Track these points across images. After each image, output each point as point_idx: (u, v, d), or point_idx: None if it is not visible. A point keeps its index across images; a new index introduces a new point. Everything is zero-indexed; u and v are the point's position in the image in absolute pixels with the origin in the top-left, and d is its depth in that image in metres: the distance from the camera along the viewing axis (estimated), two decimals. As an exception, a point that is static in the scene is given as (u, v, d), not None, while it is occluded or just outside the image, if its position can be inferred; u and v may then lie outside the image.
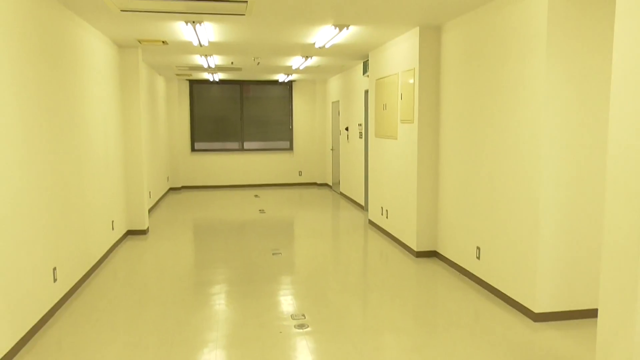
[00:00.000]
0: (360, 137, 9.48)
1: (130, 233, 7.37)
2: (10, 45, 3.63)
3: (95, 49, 5.87)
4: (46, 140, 4.26)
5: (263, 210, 9.68)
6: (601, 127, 4.06)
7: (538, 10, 4.04)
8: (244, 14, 5.10)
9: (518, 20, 4.32)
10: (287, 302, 4.76)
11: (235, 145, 12.72)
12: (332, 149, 12.24)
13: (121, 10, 4.91)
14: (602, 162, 4.03)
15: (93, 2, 4.63)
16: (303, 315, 4.36)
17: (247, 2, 4.62)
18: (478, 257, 5.09)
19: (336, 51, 7.68)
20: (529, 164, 4.21)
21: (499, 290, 4.71)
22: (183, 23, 5.54)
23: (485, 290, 4.93)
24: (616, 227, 2.64)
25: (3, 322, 3.44)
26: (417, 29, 5.95)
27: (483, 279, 5.01)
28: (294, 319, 4.28)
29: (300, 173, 13.19)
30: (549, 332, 4.01)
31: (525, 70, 4.24)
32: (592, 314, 4.16)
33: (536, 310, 4.19)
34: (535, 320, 4.19)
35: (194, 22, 5.45)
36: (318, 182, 13.24)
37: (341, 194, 11.27)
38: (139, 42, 6.75)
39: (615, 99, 2.63)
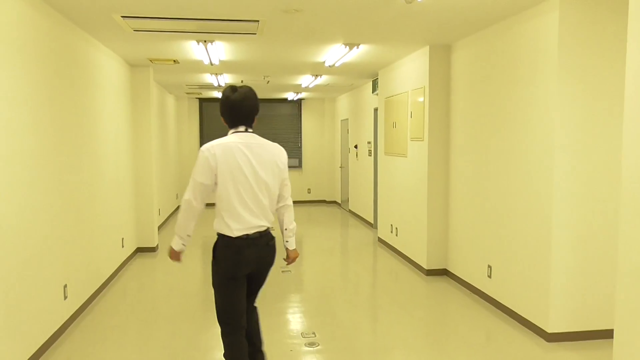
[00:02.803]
0: (370, 155, 9.48)
1: (139, 250, 7.38)
2: (27, 65, 3.68)
3: (107, 68, 5.94)
4: (58, 157, 4.29)
5: (272, 227, 9.66)
6: (614, 144, 4.04)
7: (549, 28, 4.05)
8: (255, 34, 5.15)
9: (529, 38, 4.34)
10: (297, 320, 4.73)
11: (244, 163, 12.75)
12: (341, 167, 12.25)
13: (134, 30, 4.98)
14: (616, 179, 4.00)
15: (107, 22, 4.70)
16: (313, 333, 4.33)
17: (258, 21, 4.67)
18: (489, 276, 5.05)
19: (346, 70, 7.73)
20: (541, 182, 4.19)
21: (511, 310, 4.66)
22: (194, 42, 5.60)
23: (497, 310, 4.87)
24: (632, 245, 2.61)
25: (14, 339, 3.43)
26: (427, 47, 5.98)
27: (495, 298, 4.95)
28: (304, 337, 4.24)
29: (309, 191, 13.19)
30: (563, 353, 3.95)
31: (536, 89, 4.25)
32: (607, 334, 4.08)
33: (549, 330, 4.13)
34: (548, 341, 4.13)
35: (205, 41, 5.52)
36: (327, 199, 13.23)
37: (350, 211, 11.25)
38: (151, 61, 6.83)
39: (629, 116, 2.62)
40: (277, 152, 3.00)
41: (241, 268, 2.94)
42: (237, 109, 2.94)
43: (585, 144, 4.04)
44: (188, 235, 2.99)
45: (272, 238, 3.05)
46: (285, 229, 3.15)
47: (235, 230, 2.86)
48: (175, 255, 3.07)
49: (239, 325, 3.02)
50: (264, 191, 2.92)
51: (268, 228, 3.01)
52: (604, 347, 3.97)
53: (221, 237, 2.92)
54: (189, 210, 2.92)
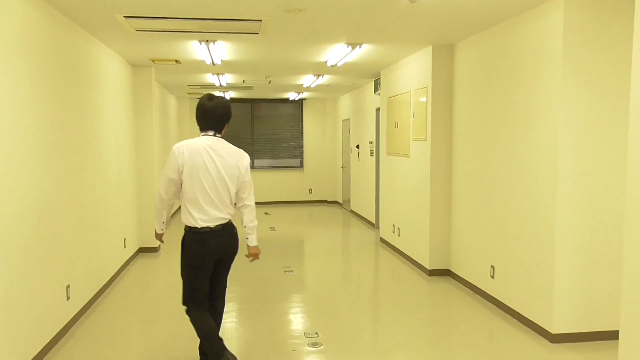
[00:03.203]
0: (371, 155, 9.48)
1: (141, 250, 7.37)
2: (29, 65, 3.67)
3: (109, 69, 5.93)
4: (60, 158, 4.29)
5: (274, 227, 9.67)
6: (619, 144, 4.02)
7: (553, 28, 4.04)
8: (257, 33, 5.14)
9: (532, 38, 4.32)
10: (299, 320, 4.72)
11: (245, 163, 12.74)
12: (342, 167, 12.24)
13: (136, 30, 4.97)
14: (621, 179, 3.98)
15: (109, 22, 4.69)
16: (316, 333, 4.32)
17: (261, 21, 4.67)
18: (492, 276, 5.03)
19: (348, 69, 7.72)
20: (545, 182, 4.18)
21: (514, 310, 4.65)
22: (197, 42, 5.59)
23: (500, 310, 4.86)
24: (636, 245, 2.60)
25: (17, 340, 3.43)
26: (430, 47, 5.97)
27: (498, 298, 4.94)
28: (307, 337, 4.23)
29: (310, 191, 13.18)
30: (567, 354, 3.94)
31: (539, 89, 4.23)
32: (612, 335, 4.05)
33: (553, 331, 4.12)
34: (552, 342, 4.12)
35: (207, 41, 5.51)
36: (328, 199, 13.22)
37: (352, 211, 11.24)
38: (153, 61, 6.82)
39: (635, 118, 2.61)
40: (239, 157, 3.38)
41: (206, 259, 3.33)
42: (209, 116, 3.33)
43: (590, 144, 4.03)
44: (163, 222, 3.47)
45: (234, 228, 3.41)
46: (245, 227, 3.44)
47: (200, 220, 3.25)
48: (158, 237, 3.61)
49: (202, 302, 3.42)
50: (225, 189, 3.30)
51: (229, 220, 3.37)
52: (609, 349, 3.96)
53: (188, 231, 3.31)
54: (160, 202, 3.37)
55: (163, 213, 3.42)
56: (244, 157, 3.40)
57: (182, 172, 3.21)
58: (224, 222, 3.31)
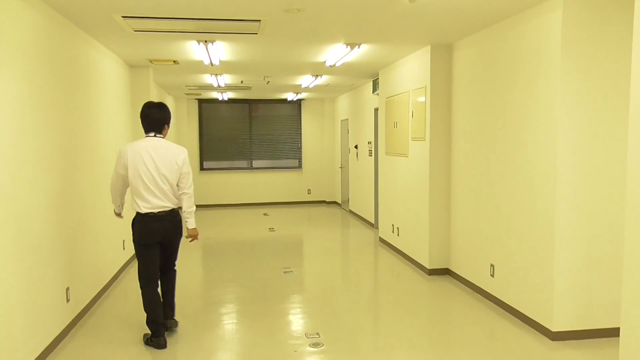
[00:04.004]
0: (370, 155, 9.47)
1: (140, 252, 7.34)
2: (28, 67, 3.66)
3: (107, 70, 5.92)
4: (59, 159, 4.28)
5: (273, 228, 9.66)
6: (618, 141, 4.03)
7: (552, 27, 4.04)
8: (256, 33, 5.14)
9: (531, 37, 4.33)
10: (300, 321, 4.71)
11: (244, 164, 12.74)
12: (341, 167, 12.24)
13: (135, 31, 4.96)
14: (621, 176, 3.99)
15: (107, 22, 4.69)
16: (317, 333, 4.31)
17: (260, 21, 4.66)
18: (492, 275, 5.03)
19: (346, 70, 7.72)
20: (544, 180, 4.18)
21: (514, 309, 4.65)
22: (195, 42, 5.59)
23: (501, 309, 4.86)
24: (637, 242, 2.59)
25: (18, 343, 3.41)
26: (429, 47, 5.97)
27: (498, 297, 4.94)
28: (308, 338, 4.23)
29: (309, 191, 13.18)
30: (568, 352, 3.94)
31: (538, 88, 4.23)
32: (613, 333, 4.06)
33: (554, 329, 4.12)
34: (553, 339, 4.12)
35: (206, 41, 5.50)
36: (327, 200, 13.22)
37: (350, 211, 11.24)
38: (151, 62, 6.81)
39: (634, 116, 2.61)
40: (177, 153, 4.04)
41: (149, 238, 3.99)
42: (150, 120, 4.06)
43: (589, 142, 4.03)
44: (119, 205, 4.29)
45: (177, 215, 4.08)
46: (184, 212, 4.11)
47: (143, 207, 3.93)
48: (117, 215, 4.39)
49: (152, 280, 4.09)
50: (165, 181, 3.96)
51: (173, 209, 4.02)
52: (610, 346, 3.96)
53: (136, 214, 3.99)
54: (113, 192, 4.20)
55: (117, 199, 4.21)
56: (180, 153, 4.06)
57: (127, 168, 3.91)
58: (166, 209, 3.97)
